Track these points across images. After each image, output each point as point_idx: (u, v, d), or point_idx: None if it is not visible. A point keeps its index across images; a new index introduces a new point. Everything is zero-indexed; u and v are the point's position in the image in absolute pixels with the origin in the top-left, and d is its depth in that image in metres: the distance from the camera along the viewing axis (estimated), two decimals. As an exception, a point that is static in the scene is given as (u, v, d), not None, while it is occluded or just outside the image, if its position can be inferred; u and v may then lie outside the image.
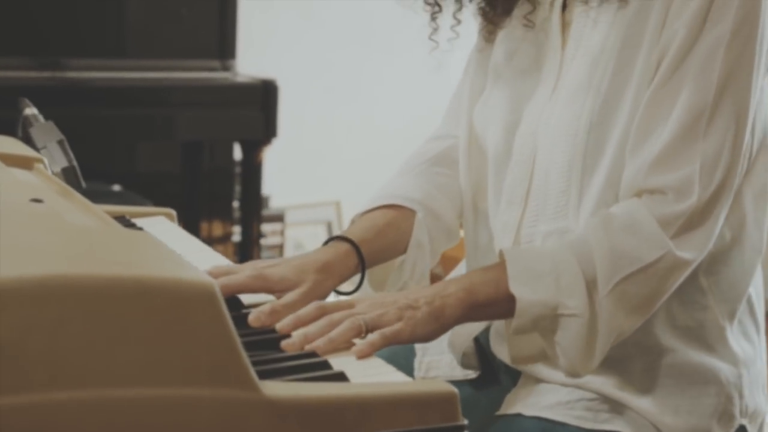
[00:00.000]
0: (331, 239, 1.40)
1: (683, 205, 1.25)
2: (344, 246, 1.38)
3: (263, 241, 3.87)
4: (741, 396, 1.34)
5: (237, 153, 3.76)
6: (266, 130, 3.48)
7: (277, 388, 0.92)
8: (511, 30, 1.43)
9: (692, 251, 1.26)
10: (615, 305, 1.24)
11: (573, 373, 1.25)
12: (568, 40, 1.37)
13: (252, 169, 3.53)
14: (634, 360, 1.30)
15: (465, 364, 1.44)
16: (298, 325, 1.16)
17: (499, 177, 1.41)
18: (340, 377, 1.01)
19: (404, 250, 1.45)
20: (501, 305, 1.24)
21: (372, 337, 1.14)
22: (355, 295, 1.40)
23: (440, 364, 1.46)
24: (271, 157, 3.65)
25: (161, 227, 1.58)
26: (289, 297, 1.27)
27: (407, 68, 4.38)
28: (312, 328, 1.15)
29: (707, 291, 1.32)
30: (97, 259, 0.94)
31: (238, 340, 0.90)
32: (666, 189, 1.26)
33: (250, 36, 3.84)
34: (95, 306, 0.86)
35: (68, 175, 1.54)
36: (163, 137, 3.55)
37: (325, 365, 1.07)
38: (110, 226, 1.18)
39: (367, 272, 1.41)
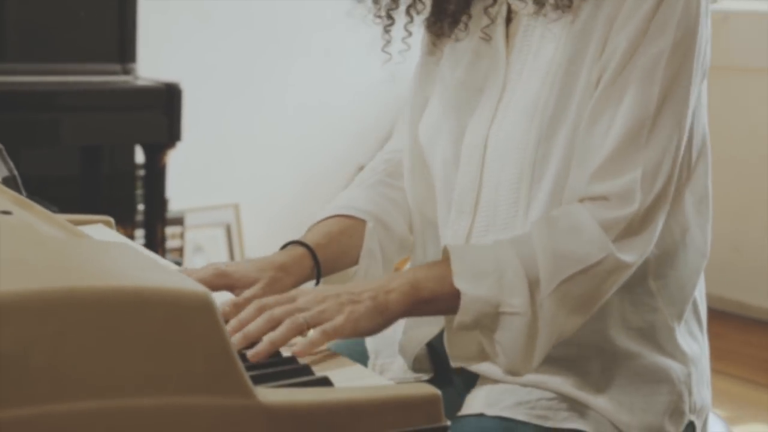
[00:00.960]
0: (288, 244, 1.43)
1: (625, 210, 1.29)
2: (300, 249, 1.42)
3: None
4: (690, 393, 1.40)
5: (139, 156, 3.73)
6: (170, 133, 3.47)
7: (271, 395, 0.94)
8: (456, 41, 1.47)
9: (633, 254, 1.30)
10: (557, 305, 1.27)
11: (512, 372, 1.28)
12: (512, 52, 1.41)
13: (156, 173, 3.51)
14: (591, 361, 1.35)
15: (416, 368, 1.47)
16: (240, 327, 1.19)
17: (449, 187, 1.45)
18: (324, 382, 1.04)
19: (357, 259, 1.48)
20: (445, 301, 1.26)
21: (314, 334, 1.17)
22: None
23: (393, 367, 1.49)
24: (169, 159, 3.63)
25: (101, 234, 1.58)
26: (249, 291, 1.31)
27: (304, 71, 4.40)
28: (252, 327, 1.17)
29: (656, 294, 1.37)
30: (89, 271, 0.95)
31: (233, 348, 0.92)
32: (609, 195, 1.30)
33: (146, 38, 3.81)
34: (96, 318, 0.87)
35: (9, 185, 1.53)
36: (62, 141, 3.50)
37: (308, 370, 1.09)
38: (85, 237, 1.18)
39: (323, 284, 1.44)
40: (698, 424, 1.42)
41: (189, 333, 0.90)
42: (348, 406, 0.96)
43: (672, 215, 1.36)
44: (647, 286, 1.37)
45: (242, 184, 4.33)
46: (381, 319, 1.24)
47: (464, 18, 1.44)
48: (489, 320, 1.26)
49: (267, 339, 1.15)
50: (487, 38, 1.41)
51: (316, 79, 4.43)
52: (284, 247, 1.44)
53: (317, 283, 1.44)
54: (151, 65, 3.73)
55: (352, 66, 4.48)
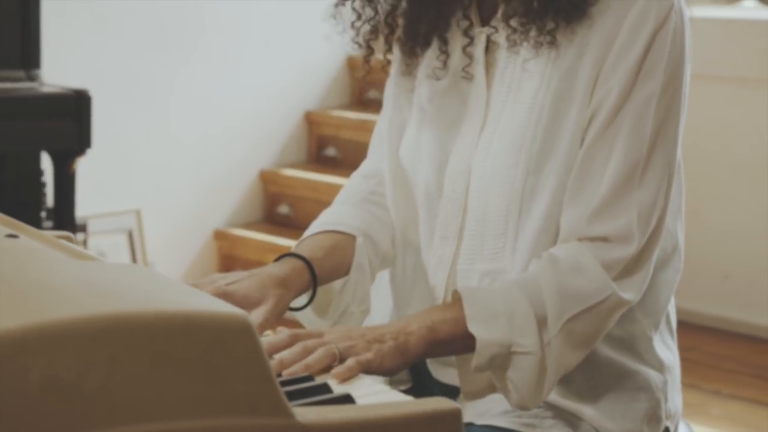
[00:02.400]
0: (284, 256, 1.46)
1: (625, 251, 1.36)
2: (298, 262, 1.45)
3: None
4: (666, 399, 1.47)
5: (45, 163, 3.68)
6: (80, 140, 3.43)
7: (307, 414, 0.97)
8: (436, 80, 1.50)
9: (632, 292, 1.37)
10: (563, 343, 1.33)
11: (522, 407, 1.34)
12: (493, 81, 1.45)
13: (65, 180, 3.47)
14: (576, 371, 1.41)
15: (395, 379, 1.51)
16: (271, 352, 1.22)
17: (432, 213, 1.49)
18: (347, 399, 1.07)
19: (347, 272, 1.51)
20: (460, 342, 1.33)
21: (349, 362, 1.21)
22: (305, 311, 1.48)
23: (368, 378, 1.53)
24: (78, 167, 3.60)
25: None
26: (259, 316, 1.33)
27: (204, 77, 4.39)
28: (287, 354, 1.21)
29: (634, 306, 1.44)
30: (130, 296, 0.96)
31: (272, 370, 0.95)
32: (608, 236, 1.36)
33: (46, 44, 3.76)
34: (145, 343, 0.89)
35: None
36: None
37: (326, 388, 1.13)
38: (97, 259, 1.19)
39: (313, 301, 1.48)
40: (672, 429, 1.50)
41: (232, 355, 0.93)
42: (377, 423, 1.00)
43: None
44: None
45: (143, 189, 4.30)
46: (402, 359, 1.30)
47: (442, 57, 1.48)
48: (501, 360, 1.32)
49: (303, 363, 1.19)
50: (469, 77, 1.45)
51: (217, 83, 4.42)
52: (279, 258, 1.47)
53: (313, 294, 1.47)
54: (52, 72, 3.68)
55: (254, 70, 4.49)
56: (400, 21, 1.52)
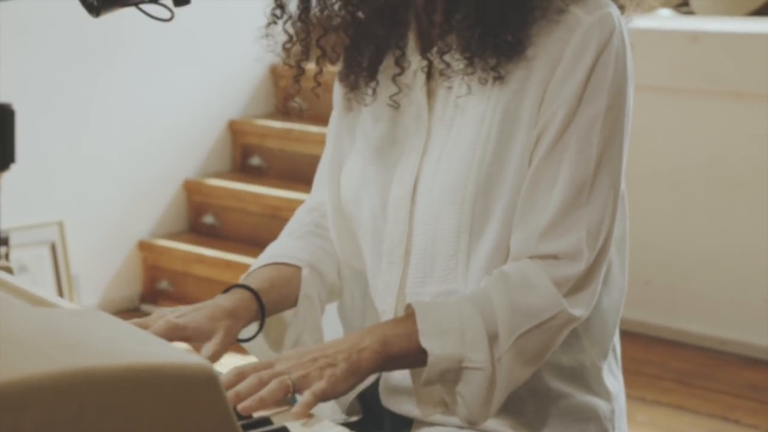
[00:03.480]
0: (232, 287, 1.47)
1: (575, 268, 1.39)
2: (246, 293, 1.46)
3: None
4: (614, 428, 1.51)
5: (-34, 178, 3.63)
6: (2, 157, 3.38)
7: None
8: (365, 106, 1.52)
9: (582, 309, 1.41)
10: (514, 359, 1.36)
11: (471, 422, 1.37)
12: (436, 106, 1.47)
13: (-12, 196, 3.43)
14: (526, 402, 1.43)
15: (347, 411, 1.53)
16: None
17: (378, 239, 1.51)
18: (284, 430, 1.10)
19: (295, 303, 1.52)
20: (413, 357, 1.35)
21: (305, 398, 1.22)
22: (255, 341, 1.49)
23: (324, 406, 1.54)
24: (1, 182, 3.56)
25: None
26: (210, 349, 1.34)
27: (126, 87, 4.35)
28: (243, 386, 1.22)
29: (582, 334, 1.47)
30: (94, 348, 0.96)
31: (235, 418, 0.96)
32: (558, 254, 1.39)
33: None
34: (113, 397, 0.90)
35: None
36: None
37: (268, 422, 1.14)
38: (56, 306, 1.19)
39: (264, 333, 1.49)
40: None
41: (197, 408, 0.94)
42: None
43: None
44: (574, 329, 1.46)
45: (66, 201, 4.26)
46: (355, 379, 1.31)
47: (372, 84, 1.50)
48: (452, 375, 1.35)
49: (257, 397, 1.20)
50: (396, 106, 1.47)
51: (140, 93, 4.39)
52: (227, 290, 1.48)
53: (261, 325, 1.48)
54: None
55: (176, 79, 4.46)
56: (342, 54, 1.53)
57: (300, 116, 4.40)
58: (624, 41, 1.43)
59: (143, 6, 1.55)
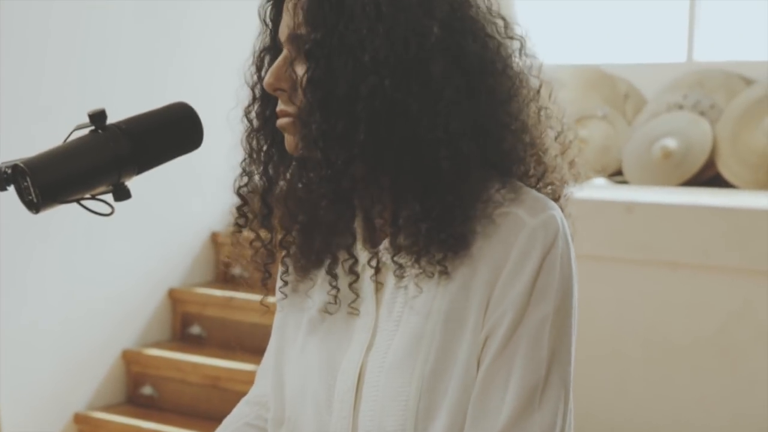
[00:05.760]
0: None
1: None
2: None
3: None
4: None
5: None
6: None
7: None
8: (322, 284, 1.52)
9: None
10: None
11: None
12: (382, 302, 1.47)
13: None
14: None
15: None
16: None
17: (322, 430, 1.49)
18: None
19: None
20: None
21: None
22: None
23: None
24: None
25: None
26: None
27: (63, 254, 4.33)
28: None
29: None
30: None
31: None
32: None
33: None
34: None
35: None
36: None
37: None
38: None
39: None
40: None
41: None
42: None
43: None
44: None
45: (0, 372, 4.19)
46: None
47: (333, 292, 1.50)
48: None
49: None
50: (356, 313, 1.48)
51: (78, 260, 4.37)
52: None
53: None
54: None
55: (116, 247, 4.45)
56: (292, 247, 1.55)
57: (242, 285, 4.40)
58: (568, 242, 1.44)
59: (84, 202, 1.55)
